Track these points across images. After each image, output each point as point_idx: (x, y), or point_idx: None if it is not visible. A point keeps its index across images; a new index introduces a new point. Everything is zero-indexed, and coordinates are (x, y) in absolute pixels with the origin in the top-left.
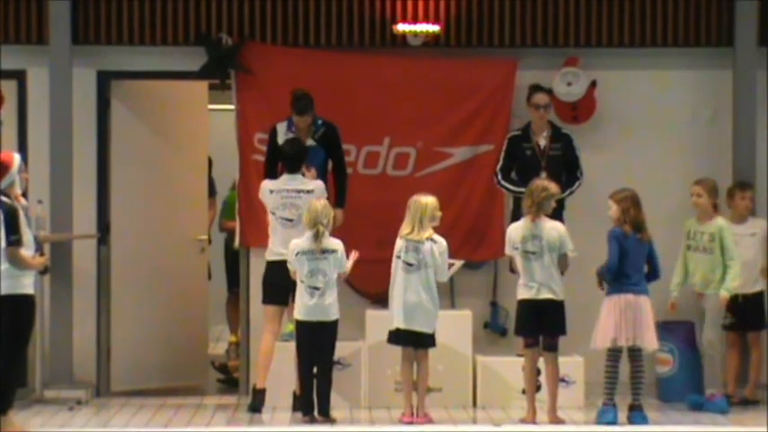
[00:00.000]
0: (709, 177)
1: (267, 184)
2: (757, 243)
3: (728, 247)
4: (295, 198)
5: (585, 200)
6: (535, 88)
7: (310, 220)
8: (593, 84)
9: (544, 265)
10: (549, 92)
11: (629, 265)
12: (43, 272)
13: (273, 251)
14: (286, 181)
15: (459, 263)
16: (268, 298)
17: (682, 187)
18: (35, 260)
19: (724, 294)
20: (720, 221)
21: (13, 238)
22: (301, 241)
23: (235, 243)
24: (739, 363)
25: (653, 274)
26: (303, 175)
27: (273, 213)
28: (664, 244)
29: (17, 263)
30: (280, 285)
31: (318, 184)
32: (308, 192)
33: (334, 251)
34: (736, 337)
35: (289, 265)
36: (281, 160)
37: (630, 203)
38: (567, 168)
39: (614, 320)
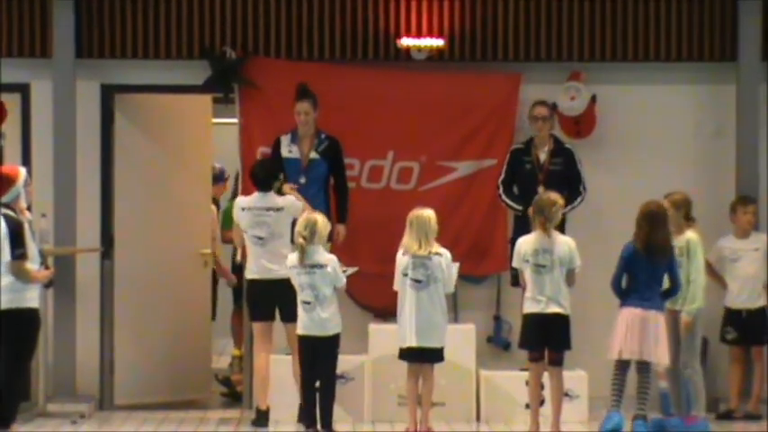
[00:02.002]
0: (678, 191)
1: (240, 202)
2: (760, 258)
3: (695, 261)
4: (265, 216)
5: (588, 214)
6: (537, 102)
7: (294, 234)
8: (594, 99)
9: (554, 279)
10: (554, 106)
11: (637, 279)
12: (48, 285)
13: (251, 269)
14: (257, 199)
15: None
16: (253, 315)
17: None
18: (40, 273)
19: (685, 318)
20: (690, 235)
21: (19, 252)
22: (294, 255)
23: (237, 256)
24: (742, 377)
25: (672, 290)
26: (280, 191)
27: (246, 231)
28: None
29: (23, 276)
30: (262, 301)
31: (289, 201)
32: (278, 209)
33: (322, 266)
34: (740, 351)
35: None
36: (253, 183)
37: (646, 220)
38: (568, 183)
39: (621, 333)
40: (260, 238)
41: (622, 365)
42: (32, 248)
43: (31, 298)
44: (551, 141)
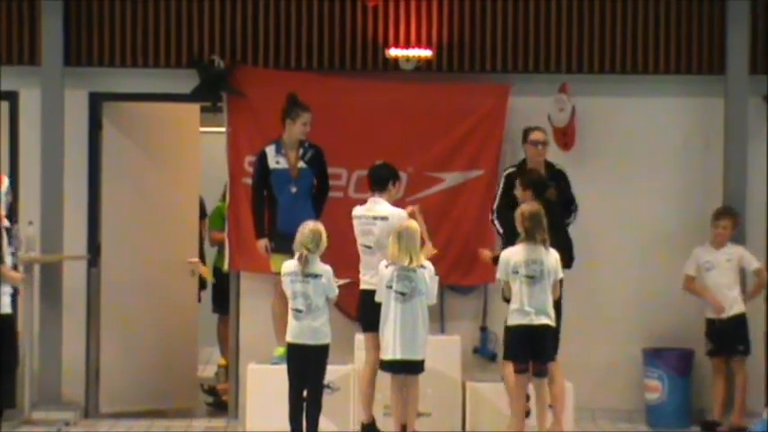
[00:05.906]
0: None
1: (353, 211)
2: (731, 268)
3: None
4: (371, 225)
5: (572, 227)
6: (532, 128)
7: (297, 243)
8: (573, 110)
9: (543, 290)
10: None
11: None
12: (15, 291)
13: (363, 279)
14: (368, 207)
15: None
16: (367, 325)
17: (673, 214)
18: (13, 274)
19: None
20: None
21: None
22: (290, 263)
23: (224, 265)
24: (725, 389)
25: None
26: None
27: (357, 240)
28: (660, 269)
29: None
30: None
31: (395, 212)
32: (383, 218)
33: (317, 276)
34: (720, 362)
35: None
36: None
37: None
38: (564, 206)
39: None
40: (368, 247)
41: None
42: (7, 253)
43: (4, 303)
44: (543, 164)
